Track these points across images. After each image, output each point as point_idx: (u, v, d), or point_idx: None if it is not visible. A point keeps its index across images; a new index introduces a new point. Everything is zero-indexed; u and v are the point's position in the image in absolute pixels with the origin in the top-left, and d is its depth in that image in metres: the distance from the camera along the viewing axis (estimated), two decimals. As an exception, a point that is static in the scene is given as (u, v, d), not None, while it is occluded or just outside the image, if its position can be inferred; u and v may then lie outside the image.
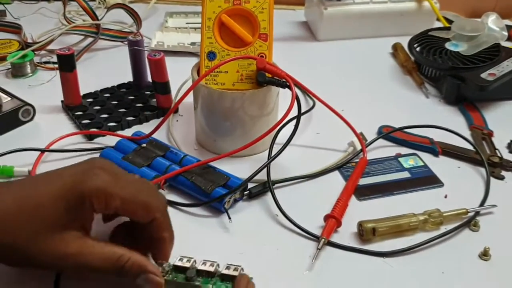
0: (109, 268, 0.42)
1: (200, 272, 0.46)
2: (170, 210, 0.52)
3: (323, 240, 0.51)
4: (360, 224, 0.53)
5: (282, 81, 0.59)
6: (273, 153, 0.59)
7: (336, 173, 0.63)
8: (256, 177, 0.57)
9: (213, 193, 0.56)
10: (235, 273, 0.46)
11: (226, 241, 0.53)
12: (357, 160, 0.64)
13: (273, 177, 0.58)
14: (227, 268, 0.46)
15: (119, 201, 0.43)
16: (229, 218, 0.54)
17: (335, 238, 0.53)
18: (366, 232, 0.53)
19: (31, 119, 0.70)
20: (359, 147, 0.65)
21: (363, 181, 0.61)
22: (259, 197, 0.59)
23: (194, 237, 0.53)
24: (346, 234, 0.54)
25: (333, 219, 0.54)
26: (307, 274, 0.49)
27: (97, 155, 0.62)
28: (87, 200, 0.42)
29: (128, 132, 0.67)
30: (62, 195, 0.42)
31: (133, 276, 0.44)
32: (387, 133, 0.69)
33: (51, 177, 0.45)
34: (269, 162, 0.57)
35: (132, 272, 0.43)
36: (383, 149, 0.67)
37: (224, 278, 0.46)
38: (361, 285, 0.48)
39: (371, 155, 0.65)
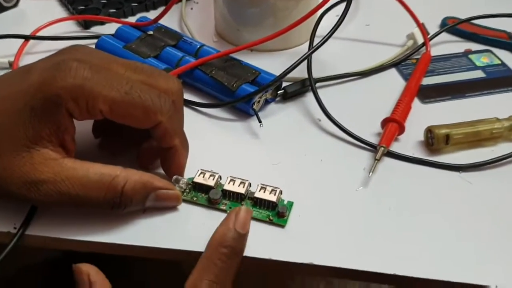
0: (100, 199, 0.31)
1: (226, 193, 0.36)
2: (185, 111, 0.40)
3: (382, 149, 0.40)
4: (429, 130, 0.41)
5: None
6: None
7: (393, 71, 0.50)
8: (292, 75, 0.44)
9: (239, 91, 0.44)
10: (273, 198, 0.35)
11: (256, 150, 0.41)
12: (418, 57, 0.51)
13: (315, 75, 0.46)
14: (263, 189, 0.36)
15: (104, 103, 0.31)
16: (260, 122, 0.42)
17: (396, 148, 0.41)
18: (437, 140, 0.41)
19: (15, 5, 0.58)
20: (420, 40, 0.52)
21: (427, 80, 0.49)
22: (296, 98, 0.47)
23: (215, 145, 0.41)
24: (409, 142, 0.42)
25: (395, 124, 0.42)
26: (361, 191, 0.38)
27: (93, 46, 0.50)
28: (60, 105, 0.30)
29: (132, 21, 0.54)
30: (27, 100, 0.31)
31: (138, 201, 0.33)
32: (453, 25, 0.55)
33: (16, 75, 0.33)
34: (310, 53, 0.45)
35: (135, 196, 0.32)
36: (449, 45, 0.54)
37: (258, 202, 0.35)
38: (430, 205, 0.37)
39: (434, 51, 0.52)
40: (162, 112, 0.33)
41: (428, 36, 0.52)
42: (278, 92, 0.46)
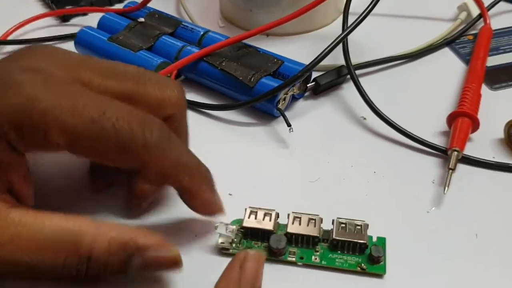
0: (59, 266, 0.21)
1: (292, 238, 0.26)
2: (191, 116, 0.31)
3: (455, 153, 0.30)
4: (511, 125, 0.32)
5: None
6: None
7: (447, 51, 0.40)
8: (323, 63, 0.34)
9: (258, 86, 0.34)
10: (361, 238, 0.25)
11: (285, 163, 0.31)
12: (474, 32, 0.41)
13: (352, 60, 0.36)
14: (341, 224, 0.26)
15: (61, 133, 0.21)
16: (288, 125, 0.33)
17: (469, 150, 0.31)
18: (526, 138, 0.31)
19: (-22, -1, 0.48)
20: (475, 11, 0.42)
21: (492, 61, 0.39)
22: (330, 91, 0.37)
23: (230, 160, 0.32)
24: (485, 142, 0.32)
25: (466, 119, 0.32)
26: (434, 213, 0.28)
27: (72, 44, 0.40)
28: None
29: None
30: None
31: (115, 267, 0.22)
32: (512, -8, 0.45)
33: None
34: (347, 33, 0.34)
35: (110, 261, 0.21)
36: (509, 16, 0.44)
37: (340, 246, 0.26)
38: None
39: (494, 24, 0.42)
40: (146, 146, 0.23)
41: (486, 6, 0.42)
42: (308, 85, 0.36)
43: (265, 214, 0.26)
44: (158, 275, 0.25)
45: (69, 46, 0.40)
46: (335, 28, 0.42)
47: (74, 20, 0.46)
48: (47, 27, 0.45)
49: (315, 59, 0.33)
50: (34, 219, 0.21)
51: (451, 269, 0.25)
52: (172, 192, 0.29)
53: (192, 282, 0.25)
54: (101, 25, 0.40)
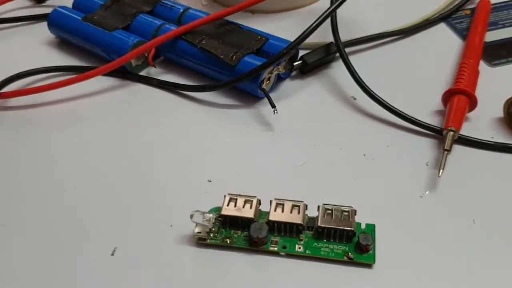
0: None
1: (274, 226, 0.24)
2: (170, 98, 0.29)
3: (451, 133, 0.28)
4: (511, 103, 0.29)
5: None
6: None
7: (443, 26, 0.38)
8: (310, 40, 0.32)
9: (241, 66, 0.32)
10: (348, 225, 0.23)
11: (270, 147, 0.29)
12: (472, 6, 0.39)
13: (342, 37, 0.34)
14: (326, 212, 0.24)
15: None
16: (273, 107, 0.30)
17: (467, 130, 0.29)
18: (527, 116, 0.29)
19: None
20: (473, -16, 0.40)
21: (491, 36, 0.36)
22: (318, 71, 0.34)
23: (212, 144, 0.30)
24: (483, 121, 0.30)
25: (462, 96, 0.29)
26: (428, 198, 0.26)
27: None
28: None
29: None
30: None
31: None
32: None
33: None
34: (335, 7, 0.32)
35: None
36: (509, -11, 0.42)
37: (326, 234, 0.24)
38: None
39: (492, -3, 0.39)
40: None
41: (483, -21, 0.40)
42: (295, 64, 0.33)
43: (245, 201, 0.25)
44: (131, 267, 0.23)
45: (43, 27, 0.38)
46: (325, 5, 0.40)
47: (50, 2, 0.43)
48: (21, 8, 0.42)
49: (301, 34, 0.31)
50: None
51: (446, 258, 0.23)
52: (146, 179, 0.27)
53: (167, 275, 0.23)
54: (76, 4, 0.38)
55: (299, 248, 0.23)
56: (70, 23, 0.36)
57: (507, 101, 0.30)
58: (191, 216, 0.24)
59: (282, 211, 0.24)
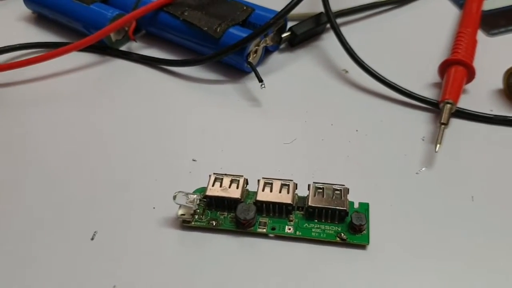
0: None
1: (263, 207, 0.23)
2: (151, 74, 0.27)
3: (448, 106, 0.26)
4: (511, 74, 0.28)
5: None
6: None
7: (438, -6, 0.36)
8: (299, 10, 0.30)
9: (225, 38, 0.30)
10: (340, 204, 0.22)
11: (257, 123, 0.28)
12: (469, -27, 0.37)
13: (331, 8, 0.32)
14: (317, 191, 0.22)
15: None
16: (260, 81, 0.29)
17: (464, 103, 0.28)
18: (528, 87, 0.27)
19: None
20: (470, -50, 0.38)
21: (489, 4, 0.35)
22: (308, 43, 0.33)
23: (197, 121, 0.28)
24: (482, 93, 0.29)
25: (460, 67, 0.28)
26: (424, 174, 0.25)
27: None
28: None
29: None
30: None
31: None
32: None
33: None
34: (324, -26, 0.30)
35: None
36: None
37: (317, 214, 0.22)
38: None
39: (490, -36, 0.38)
40: None
41: None
42: (283, 35, 0.32)
43: (231, 181, 0.23)
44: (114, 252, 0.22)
45: (19, 2, 0.36)
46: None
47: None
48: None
49: (289, 3, 0.29)
50: None
51: (443, 237, 0.22)
52: (127, 159, 0.26)
53: (150, 260, 0.21)
54: (52, -24, 0.36)
55: (289, 229, 0.22)
56: (45, -3, 0.34)
57: (506, 71, 0.28)
58: (174, 197, 0.23)
59: (271, 191, 0.23)
